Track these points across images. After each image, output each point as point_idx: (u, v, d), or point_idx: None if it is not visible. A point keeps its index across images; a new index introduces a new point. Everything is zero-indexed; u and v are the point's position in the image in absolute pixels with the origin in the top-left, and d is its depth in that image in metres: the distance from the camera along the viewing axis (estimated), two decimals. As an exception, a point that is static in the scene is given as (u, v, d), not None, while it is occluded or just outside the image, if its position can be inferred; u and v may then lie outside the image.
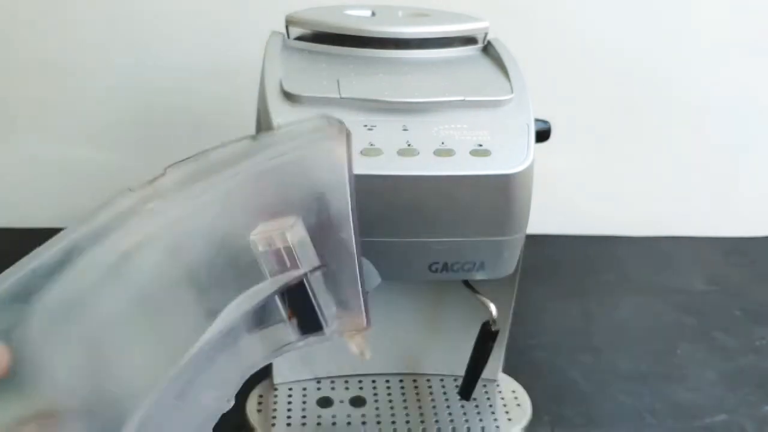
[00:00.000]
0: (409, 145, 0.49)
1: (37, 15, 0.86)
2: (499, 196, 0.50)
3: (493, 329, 0.57)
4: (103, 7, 0.86)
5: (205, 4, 0.87)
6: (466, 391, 0.61)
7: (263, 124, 0.52)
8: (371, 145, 0.49)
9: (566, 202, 0.93)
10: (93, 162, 0.92)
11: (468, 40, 0.62)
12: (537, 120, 0.59)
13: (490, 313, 0.57)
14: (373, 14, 0.62)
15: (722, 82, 0.94)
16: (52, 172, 0.93)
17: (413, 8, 0.63)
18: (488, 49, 0.61)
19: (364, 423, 0.61)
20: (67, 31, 0.87)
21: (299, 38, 0.61)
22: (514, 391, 0.66)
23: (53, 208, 0.92)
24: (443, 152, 0.49)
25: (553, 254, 0.92)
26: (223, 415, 0.62)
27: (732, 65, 0.94)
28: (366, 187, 0.48)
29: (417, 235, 0.50)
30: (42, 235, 0.37)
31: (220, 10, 0.86)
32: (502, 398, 0.65)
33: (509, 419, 0.63)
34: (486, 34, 0.62)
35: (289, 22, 0.61)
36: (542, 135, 0.59)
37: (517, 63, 0.58)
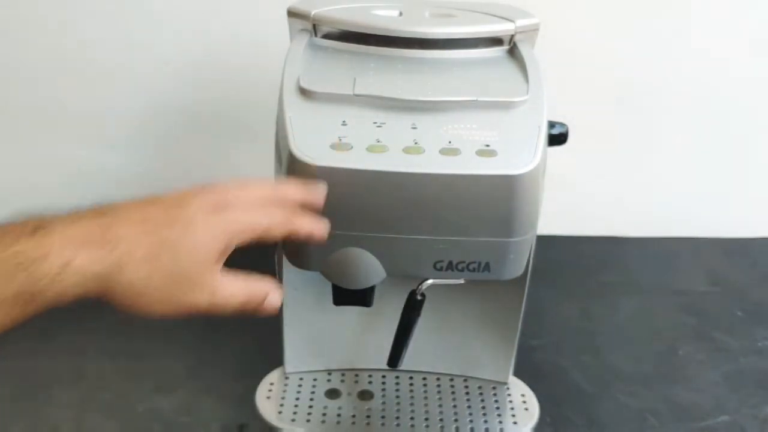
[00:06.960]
0: (415, 143, 0.50)
1: (47, 14, 0.86)
2: (502, 197, 0.49)
3: (418, 298, 0.58)
4: (115, 6, 0.86)
5: (220, 4, 0.86)
6: (393, 359, 0.61)
7: (278, 118, 0.54)
8: (378, 141, 0.49)
9: (568, 203, 0.91)
10: (98, 162, 0.92)
11: (494, 41, 0.62)
12: (555, 123, 0.58)
13: (422, 283, 0.57)
14: (401, 14, 0.62)
15: (723, 84, 0.92)
16: (56, 172, 0.93)
17: (441, 7, 0.63)
18: (514, 51, 0.61)
19: (368, 417, 0.62)
20: (76, 32, 0.87)
21: (326, 36, 0.62)
22: (523, 395, 0.66)
23: (56, 208, 0.93)
24: (449, 151, 0.49)
25: (554, 255, 0.91)
26: (224, 415, 0.64)
27: (733, 67, 0.92)
28: (369, 183, 0.49)
29: (421, 233, 0.50)
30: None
31: (232, 10, 0.86)
32: (511, 401, 0.65)
33: (515, 422, 0.63)
34: (513, 36, 0.62)
35: (316, 21, 0.61)
36: (559, 138, 0.58)
37: (540, 65, 0.57)
